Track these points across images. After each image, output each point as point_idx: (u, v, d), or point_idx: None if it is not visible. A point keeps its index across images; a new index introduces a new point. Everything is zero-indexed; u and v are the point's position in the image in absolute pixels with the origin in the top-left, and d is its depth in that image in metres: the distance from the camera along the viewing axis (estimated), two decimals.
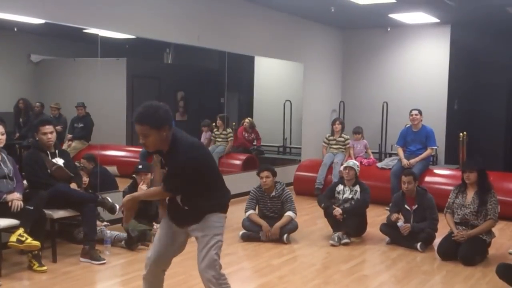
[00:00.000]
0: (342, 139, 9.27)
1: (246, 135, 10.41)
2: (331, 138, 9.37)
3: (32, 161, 5.32)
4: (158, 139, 3.20)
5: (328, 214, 6.43)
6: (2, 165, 5.13)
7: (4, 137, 5.14)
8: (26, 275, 4.94)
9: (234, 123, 10.55)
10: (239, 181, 8.75)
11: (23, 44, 10.51)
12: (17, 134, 6.23)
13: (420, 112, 8.46)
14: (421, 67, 11.23)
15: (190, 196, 3.38)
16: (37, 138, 5.42)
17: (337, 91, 12.08)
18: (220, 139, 9.65)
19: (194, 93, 12.64)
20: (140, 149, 9.73)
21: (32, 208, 4.97)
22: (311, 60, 11.07)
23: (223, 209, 3.49)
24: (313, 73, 11.14)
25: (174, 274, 4.96)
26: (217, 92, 12.17)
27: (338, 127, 9.28)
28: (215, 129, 9.69)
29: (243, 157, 9.73)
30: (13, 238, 4.79)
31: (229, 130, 9.74)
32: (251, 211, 6.40)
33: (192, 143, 3.33)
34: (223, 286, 3.37)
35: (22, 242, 4.78)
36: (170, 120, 3.23)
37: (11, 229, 4.86)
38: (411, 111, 8.53)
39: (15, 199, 4.95)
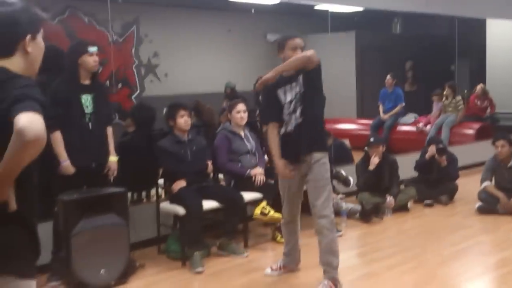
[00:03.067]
0: None
1: (479, 102, 9.90)
2: None
3: None
4: None
5: None
6: (246, 141, 5.36)
7: (245, 114, 5.35)
8: (270, 246, 5.13)
9: (466, 91, 10.07)
10: (473, 151, 8.35)
11: (260, 25, 11.28)
12: (258, 112, 6.47)
13: None
14: None
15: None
16: None
17: None
18: (450, 108, 9.31)
19: (423, 62, 12.29)
20: (371, 121, 9.85)
21: (273, 182, 5.09)
22: None
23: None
24: None
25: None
26: (447, 60, 11.67)
27: None
28: (444, 98, 9.37)
29: (476, 125, 9.25)
30: (257, 211, 4.99)
31: (458, 98, 9.34)
32: (487, 183, 6.11)
33: None
34: None
35: (265, 214, 4.95)
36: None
37: (255, 202, 5.06)
38: None
39: (258, 173, 5.17)
